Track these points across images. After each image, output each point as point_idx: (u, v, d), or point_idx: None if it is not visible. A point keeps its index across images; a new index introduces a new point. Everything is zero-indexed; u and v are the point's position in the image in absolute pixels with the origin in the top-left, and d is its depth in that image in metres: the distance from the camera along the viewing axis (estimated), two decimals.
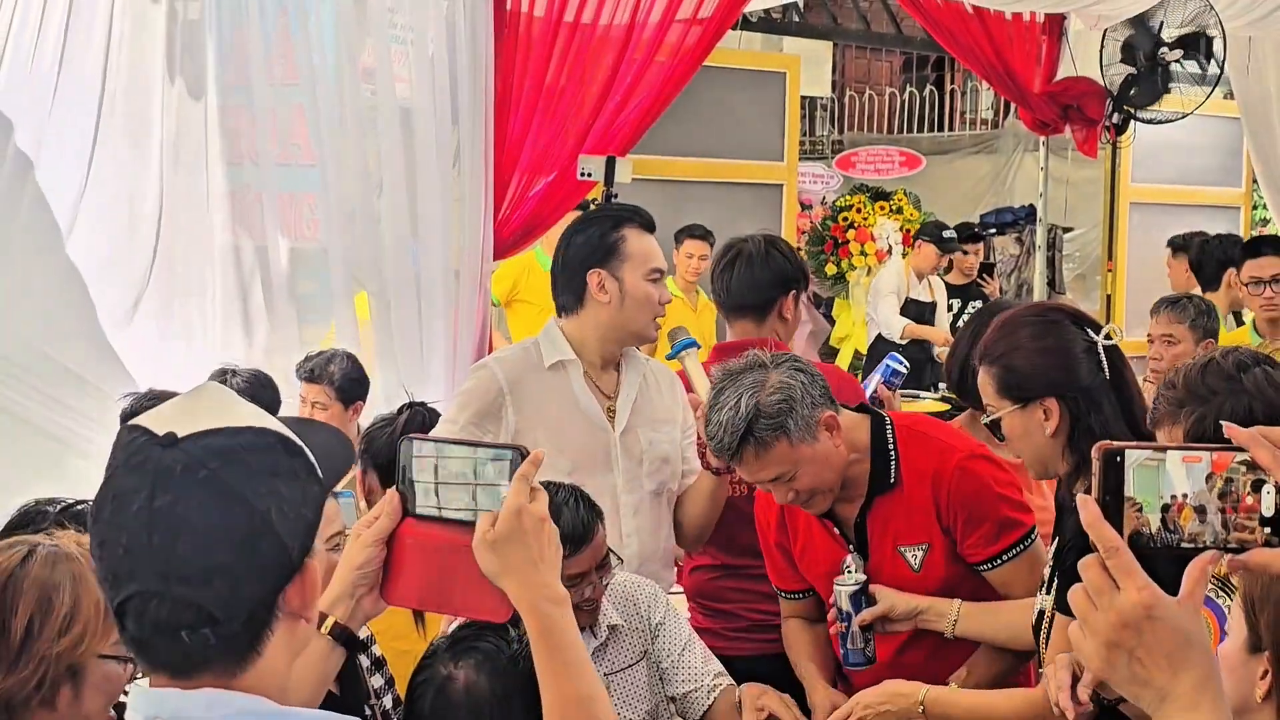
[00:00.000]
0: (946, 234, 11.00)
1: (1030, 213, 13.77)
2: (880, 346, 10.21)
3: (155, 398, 4.91)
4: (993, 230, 13.94)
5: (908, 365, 5.34)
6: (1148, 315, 10.33)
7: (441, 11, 6.20)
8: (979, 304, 10.66)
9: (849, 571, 3.59)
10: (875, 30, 14.55)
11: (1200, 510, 1.58)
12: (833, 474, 3.57)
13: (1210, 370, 2.87)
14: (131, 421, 1.71)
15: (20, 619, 2.31)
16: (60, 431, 5.46)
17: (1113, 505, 1.58)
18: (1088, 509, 1.57)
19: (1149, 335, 6.19)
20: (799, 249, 12.86)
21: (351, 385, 5.91)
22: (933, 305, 10.82)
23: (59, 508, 3.11)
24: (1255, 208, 12.42)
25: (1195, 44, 8.63)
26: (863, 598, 3.56)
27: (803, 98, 15.25)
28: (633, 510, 4.11)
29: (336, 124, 6.12)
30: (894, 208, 13.10)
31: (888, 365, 5.23)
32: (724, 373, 3.56)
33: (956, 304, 11.03)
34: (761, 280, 4.47)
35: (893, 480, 3.62)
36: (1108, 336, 3.23)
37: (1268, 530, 1.59)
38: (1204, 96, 9.11)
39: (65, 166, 5.56)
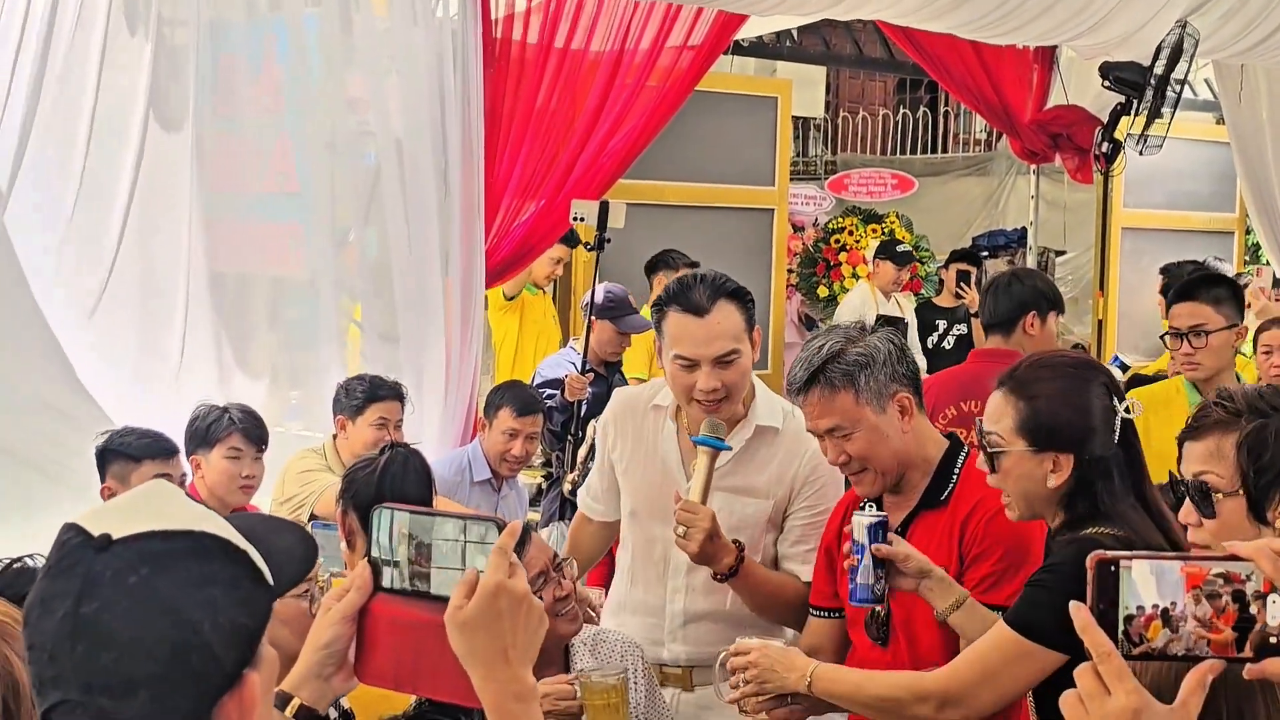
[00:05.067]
0: (900, 249, 10.98)
1: (1023, 235, 13.72)
2: None
3: (130, 433, 4.88)
4: (985, 253, 13.90)
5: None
6: (1140, 340, 10.42)
7: (431, 40, 6.16)
8: (964, 327, 10.56)
9: (868, 506, 3.52)
10: (868, 55, 14.49)
11: (1169, 621, 1.58)
12: (889, 454, 3.55)
13: (1269, 391, 2.90)
14: (71, 520, 1.62)
15: None
16: (43, 462, 5.40)
17: (1106, 614, 1.60)
18: (1080, 614, 1.59)
19: (1266, 347, 5.82)
20: (790, 270, 12.86)
21: None
22: (904, 323, 10.71)
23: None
24: (1249, 233, 12.38)
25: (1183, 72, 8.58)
26: (881, 532, 3.44)
27: (796, 119, 15.21)
28: (685, 569, 4.02)
29: (322, 152, 6.08)
30: (886, 230, 13.05)
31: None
32: (827, 326, 3.67)
33: (943, 324, 10.93)
34: (1004, 305, 5.51)
35: (943, 498, 3.58)
36: (1128, 410, 3.19)
37: (1274, 640, 1.59)
38: (1190, 122, 9.05)
39: (41, 202, 5.51)
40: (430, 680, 2.05)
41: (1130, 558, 1.60)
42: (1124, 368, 6.08)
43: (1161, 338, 5.48)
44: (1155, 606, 1.58)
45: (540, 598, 3.51)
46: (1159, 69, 8.35)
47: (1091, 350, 10.92)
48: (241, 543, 1.66)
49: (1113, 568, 1.60)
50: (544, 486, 7.50)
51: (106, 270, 5.75)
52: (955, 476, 3.60)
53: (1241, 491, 2.79)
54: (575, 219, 6.72)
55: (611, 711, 3.43)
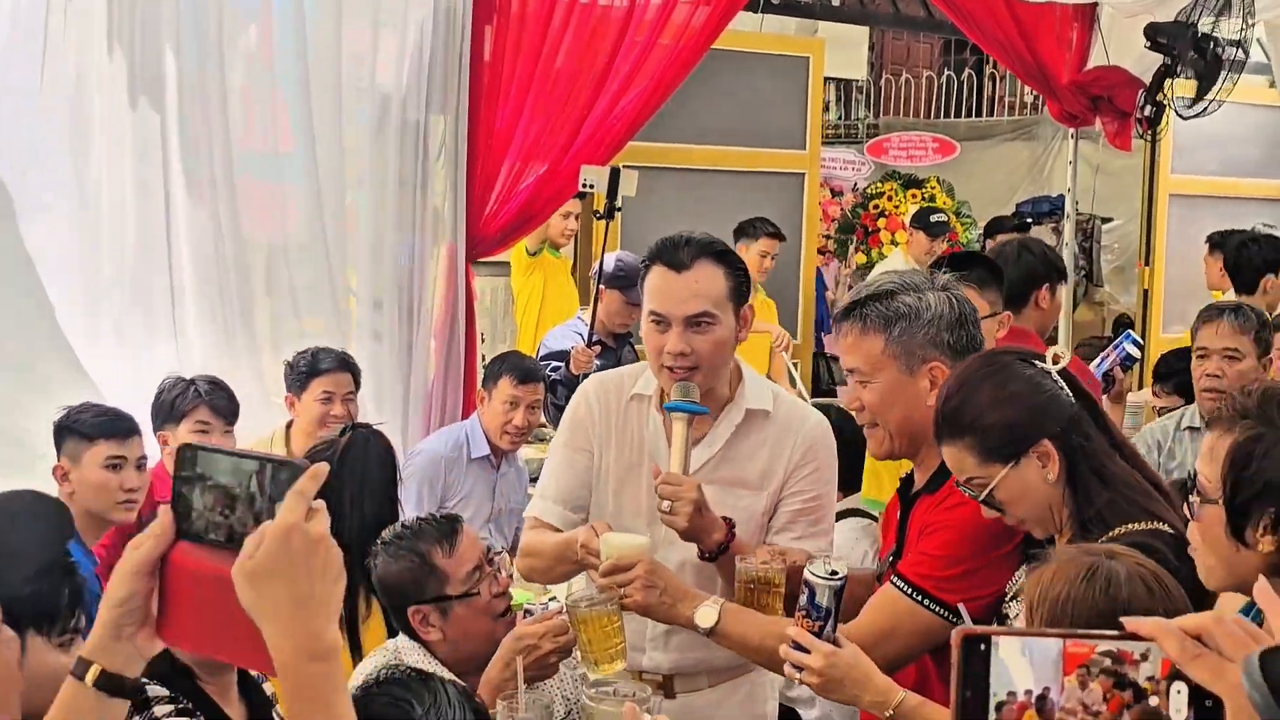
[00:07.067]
0: (935, 219, 10.69)
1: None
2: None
3: (87, 410, 4.65)
4: (1029, 219, 13.56)
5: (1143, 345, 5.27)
6: (1188, 311, 10.06)
7: None
8: None
9: (827, 562, 3.05)
10: (906, 14, 14.13)
11: (1044, 710, 1.34)
12: (900, 419, 3.33)
13: None
14: None
15: None
16: (18, 432, 5.21)
17: (973, 702, 1.35)
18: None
19: (1202, 348, 5.33)
20: (827, 236, 12.57)
21: None
22: None
23: None
24: None
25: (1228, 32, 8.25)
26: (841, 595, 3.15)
27: (838, 81, 14.88)
28: (673, 568, 3.60)
29: (315, 111, 5.84)
30: (926, 196, 12.76)
31: (1122, 346, 5.04)
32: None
33: None
34: (1014, 277, 5.11)
35: (940, 485, 3.30)
36: (1054, 360, 3.03)
37: None
38: (1241, 86, 8.73)
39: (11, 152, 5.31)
40: (228, 643, 1.81)
41: (1001, 633, 1.35)
42: (1138, 344, 5.70)
43: None
44: (1029, 693, 1.34)
45: (478, 594, 3.35)
46: (1200, 25, 8.03)
47: (1137, 322, 10.62)
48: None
49: (982, 645, 1.35)
50: None
51: (94, 233, 5.57)
52: None
53: (1221, 501, 2.48)
54: (585, 186, 6.46)
55: (613, 633, 3.30)
